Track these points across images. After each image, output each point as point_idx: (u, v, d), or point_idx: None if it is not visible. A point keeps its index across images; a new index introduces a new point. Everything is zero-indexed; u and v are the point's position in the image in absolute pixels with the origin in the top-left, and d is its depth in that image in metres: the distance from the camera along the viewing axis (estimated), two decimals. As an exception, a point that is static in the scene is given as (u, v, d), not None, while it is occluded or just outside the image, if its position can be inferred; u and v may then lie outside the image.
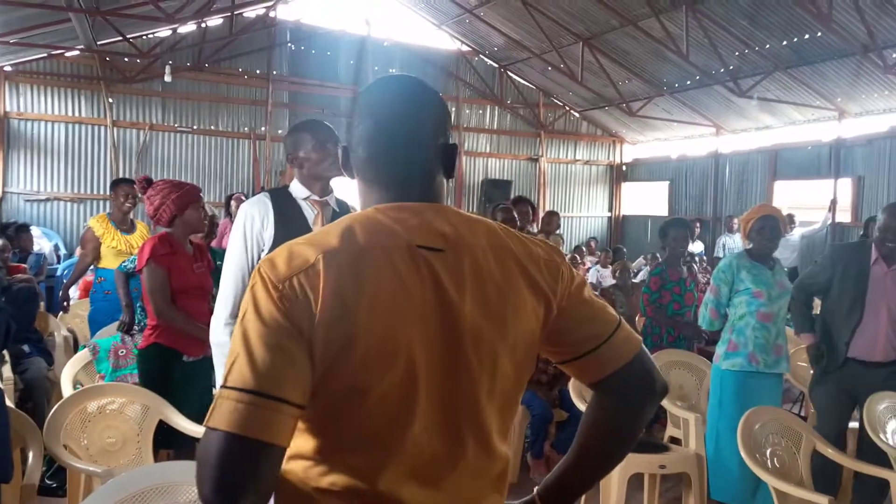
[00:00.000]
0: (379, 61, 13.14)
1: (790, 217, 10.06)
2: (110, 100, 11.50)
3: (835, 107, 10.80)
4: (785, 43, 9.58)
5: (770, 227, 3.70)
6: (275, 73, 12.66)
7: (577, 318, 1.16)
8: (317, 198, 2.51)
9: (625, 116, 13.84)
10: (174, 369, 3.26)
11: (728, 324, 3.73)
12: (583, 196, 15.62)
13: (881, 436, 3.28)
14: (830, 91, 10.43)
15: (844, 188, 10.92)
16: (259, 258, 2.43)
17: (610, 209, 15.92)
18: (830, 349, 3.57)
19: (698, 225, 11.26)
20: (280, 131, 12.63)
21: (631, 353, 1.17)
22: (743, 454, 2.91)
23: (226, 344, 2.43)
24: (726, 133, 13.18)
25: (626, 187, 15.86)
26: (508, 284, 1.08)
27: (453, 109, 13.80)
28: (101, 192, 11.23)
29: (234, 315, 2.44)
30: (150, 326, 3.34)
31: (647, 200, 15.13)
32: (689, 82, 11.68)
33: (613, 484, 3.34)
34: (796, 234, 10.12)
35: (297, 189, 2.53)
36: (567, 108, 14.96)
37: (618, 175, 15.87)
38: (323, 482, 1.02)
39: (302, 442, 1.05)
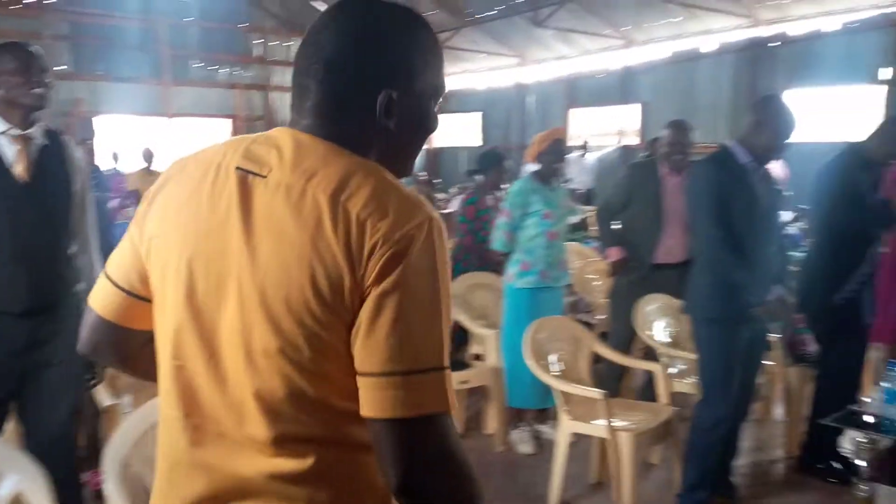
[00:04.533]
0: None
1: (585, 144, 10.79)
2: None
3: (621, 35, 11.54)
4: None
5: (560, 150, 3.92)
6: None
7: (367, 324, 0.87)
8: (18, 131, 2.21)
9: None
10: None
11: (518, 245, 3.91)
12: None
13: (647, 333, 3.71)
14: (620, 20, 11.10)
15: (633, 114, 11.83)
16: None
17: (424, 141, 16.12)
18: (638, 260, 3.89)
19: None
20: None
21: (382, 415, 0.86)
22: (528, 361, 3.16)
23: None
24: (529, 64, 13.71)
25: (440, 118, 16.06)
26: (294, 234, 0.89)
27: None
28: None
29: None
30: None
31: (460, 131, 15.50)
32: (492, 12, 11.93)
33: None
34: (592, 157, 10.87)
35: None
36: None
37: (430, 107, 16.03)
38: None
39: None
